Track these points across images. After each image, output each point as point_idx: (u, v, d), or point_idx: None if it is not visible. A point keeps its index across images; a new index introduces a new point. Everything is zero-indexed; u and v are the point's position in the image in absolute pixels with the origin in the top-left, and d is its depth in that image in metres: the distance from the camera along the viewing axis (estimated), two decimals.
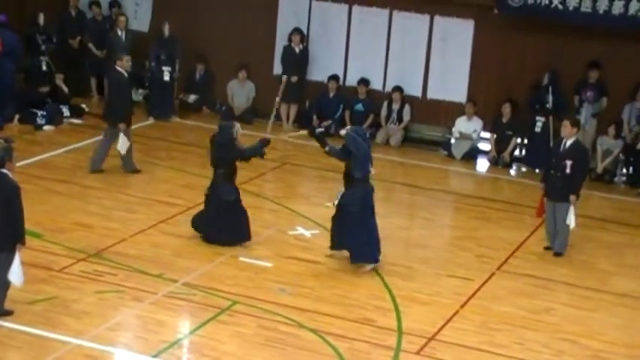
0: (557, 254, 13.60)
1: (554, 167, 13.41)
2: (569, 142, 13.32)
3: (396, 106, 18.85)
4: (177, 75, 19.49)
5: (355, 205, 12.50)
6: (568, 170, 13.22)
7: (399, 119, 18.84)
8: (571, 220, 13.31)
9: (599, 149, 17.48)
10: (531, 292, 12.53)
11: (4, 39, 17.90)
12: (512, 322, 11.61)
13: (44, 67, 19.13)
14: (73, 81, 19.42)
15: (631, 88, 17.26)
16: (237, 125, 13.59)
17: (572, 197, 13.27)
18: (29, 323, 10.57)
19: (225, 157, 13.29)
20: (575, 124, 13.43)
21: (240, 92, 19.67)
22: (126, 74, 15.89)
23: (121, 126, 15.67)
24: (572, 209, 13.28)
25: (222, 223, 13.06)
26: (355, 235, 12.51)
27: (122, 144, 15.72)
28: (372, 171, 12.69)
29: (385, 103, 18.94)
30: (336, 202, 12.74)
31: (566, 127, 13.35)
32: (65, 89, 19.06)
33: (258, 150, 13.53)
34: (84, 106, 19.18)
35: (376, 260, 12.66)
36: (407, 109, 18.82)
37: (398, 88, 18.81)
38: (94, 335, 10.47)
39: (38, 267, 12.02)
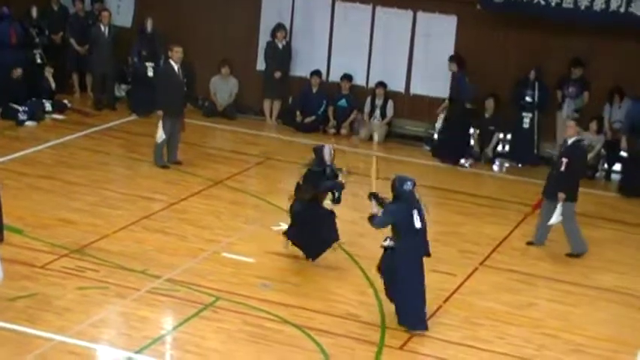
0: (571, 255, 13.59)
1: (553, 165, 13.59)
2: (570, 141, 13.42)
3: (379, 102, 18.85)
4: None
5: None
6: (563, 168, 13.31)
7: (383, 115, 18.84)
8: (554, 218, 13.35)
9: None
10: (514, 287, 12.58)
11: (15, 30, 18.01)
12: (495, 317, 11.65)
13: (38, 60, 19.07)
14: (55, 77, 19.33)
15: (609, 90, 17.33)
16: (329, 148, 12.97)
17: (560, 194, 13.29)
18: (11, 320, 10.54)
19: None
20: (576, 124, 13.53)
21: (223, 88, 19.64)
22: (176, 66, 16.01)
23: (159, 113, 15.85)
24: (558, 207, 13.31)
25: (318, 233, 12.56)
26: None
27: (159, 132, 15.86)
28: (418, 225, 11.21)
29: (368, 99, 18.94)
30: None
31: (570, 128, 13.46)
32: (52, 84, 18.99)
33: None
34: (66, 101, 19.10)
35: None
36: (390, 104, 18.83)
37: (381, 84, 18.82)
38: (77, 332, 10.44)
39: (20, 263, 11.98)
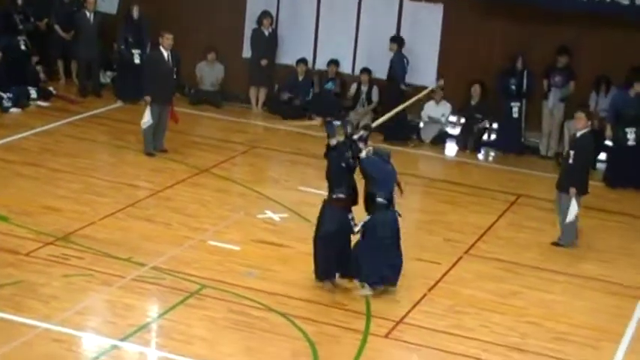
0: (556, 244, 13.60)
1: (564, 158, 13.64)
2: (579, 134, 13.38)
3: (364, 88, 18.84)
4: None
5: (385, 231, 11.57)
6: (571, 161, 13.30)
7: (368, 101, 18.82)
8: (570, 213, 13.23)
9: (566, 133, 17.55)
10: (499, 275, 12.62)
11: None
12: (480, 305, 11.69)
13: (23, 47, 18.98)
14: (41, 64, 19.26)
15: (596, 78, 17.36)
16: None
17: (571, 190, 13.23)
18: None
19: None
20: (590, 116, 13.46)
21: (210, 74, 19.60)
22: (165, 53, 16.03)
23: (147, 99, 15.82)
24: (573, 202, 13.22)
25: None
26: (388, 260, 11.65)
27: (145, 118, 15.85)
28: (397, 195, 11.72)
29: (354, 85, 18.93)
30: (357, 229, 11.59)
31: (580, 120, 13.36)
32: (42, 75, 18.91)
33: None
34: (52, 88, 19.03)
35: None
36: (375, 90, 18.80)
37: (366, 70, 18.80)
38: (63, 319, 10.44)
39: (5, 251, 11.97)
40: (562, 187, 13.46)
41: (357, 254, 11.54)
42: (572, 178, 13.29)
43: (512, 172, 17.05)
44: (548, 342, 10.91)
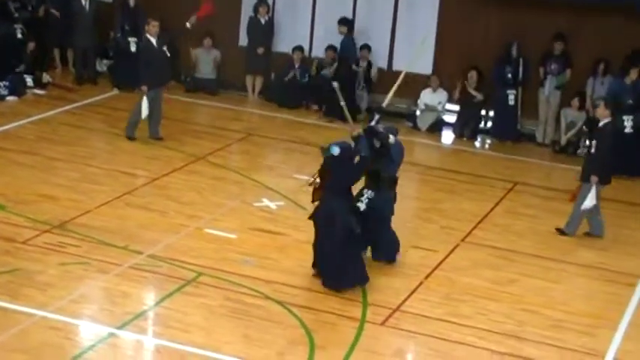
0: (560, 230, 13.55)
1: (587, 148, 13.60)
2: (600, 123, 13.29)
3: (363, 64, 18.78)
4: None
5: (386, 211, 12.07)
6: (593, 150, 13.25)
7: (366, 81, 18.74)
8: (587, 200, 13.17)
9: (562, 121, 17.59)
10: (495, 263, 12.63)
11: None
12: (476, 293, 11.70)
13: (19, 35, 18.93)
14: (37, 52, 19.22)
15: (594, 60, 17.32)
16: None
17: (592, 177, 13.16)
18: None
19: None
20: (610, 105, 13.36)
21: (206, 60, 19.57)
22: (153, 40, 16.08)
23: (143, 89, 15.85)
24: (593, 190, 13.15)
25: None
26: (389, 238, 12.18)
27: (143, 108, 15.88)
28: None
29: (352, 63, 18.87)
30: (361, 205, 11.83)
31: (600, 109, 13.29)
32: (47, 78, 18.89)
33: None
34: (48, 77, 18.99)
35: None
36: (374, 67, 18.77)
37: (366, 46, 18.75)
38: (59, 307, 10.44)
39: (1, 239, 11.97)
40: (583, 177, 13.37)
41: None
42: (594, 167, 13.21)
43: (509, 159, 17.06)
44: (545, 329, 10.93)
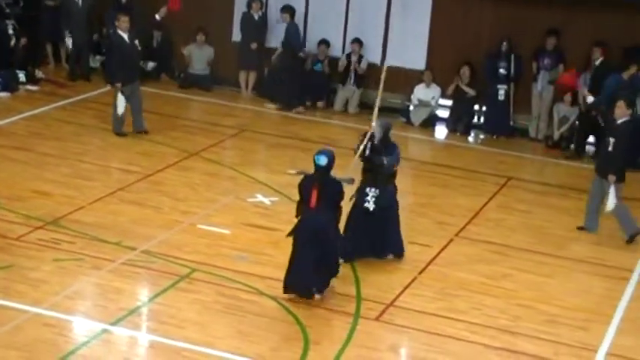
0: (629, 239, 13.30)
1: (603, 144, 13.43)
2: (619, 121, 13.17)
3: (354, 58, 18.78)
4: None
5: (394, 206, 12.13)
6: (610, 148, 13.12)
7: (357, 81, 18.74)
8: (610, 202, 13.06)
9: (555, 116, 17.60)
10: (489, 258, 12.64)
11: None
12: (470, 287, 11.71)
13: (10, 31, 18.85)
14: (29, 47, 19.16)
15: (587, 55, 17.33)
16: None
17: (610, 177, 13.06)
18: None
19: None
20: (631, 105, 13.28)
21: (199, 55, 19.54)
22: (125, 35, 16.10)
23: (118, 85, 15.93)
24: (612, 190, 13.06)
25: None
26: (397, 233, 12.19)
27: (119, 105, 15.93)
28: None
29: (344, 56, 18.85)
30: (370, 206, 11.85)
31: (620, 108, 13.13)
32: (40, 74, 18.84)
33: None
34: (40, 72, 18.94)
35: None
36: (364, 61, 18.74)
37: (357, 40, 18.74)
38: (53, 304, 10.42)
39: None
40: (603, 173, 13.23)
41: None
42: (612, 166, 13.09)
43: (502, 154, 17.06)
44: (539, 324, 10.94)
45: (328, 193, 10.69)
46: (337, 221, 10.96)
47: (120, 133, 16.15)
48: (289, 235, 10.90)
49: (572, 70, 17.19)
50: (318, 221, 10.68)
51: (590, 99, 16.59)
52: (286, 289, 10.92)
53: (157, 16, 17.37)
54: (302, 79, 18.93)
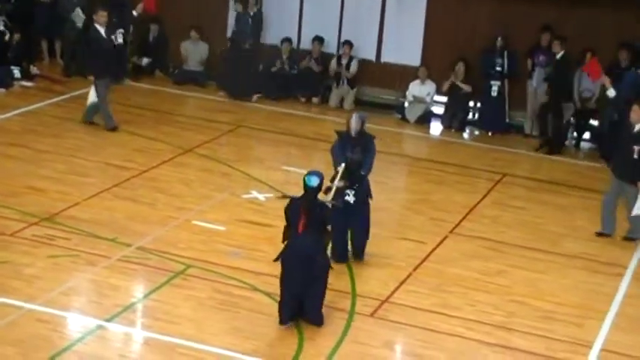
0: (628, 238, 13.20)
1: (624, 149, 12.96)
2: (638, 127, 12.83)
3: (344, 61, 18.80)
4: (130, 38, 19.28)
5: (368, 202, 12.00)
6: (636, 156, 12.75)
7: (350, 81, 18.75)
8: (637, 208, 12.80)
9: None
10: (484, 254, 12.65)
11: None
12: (465, 284, 11.72)
13: (1, 27, 18.81)
14: (24, 43, 19.14)
15: (582, 52, 17.33)
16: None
17: (639, 183, 12.81)
18: None
19: None
20: None
21: (194, 52, 19.53)
22: (102, 29, 16.16)
23: (91, 79, 16.06)
24: (639, 197, 12.83)
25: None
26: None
27: (91, 95, 16.12)
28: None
29: (334, 60, 18.88)
30: (350, 199, 11.72)
31: (635, 112, 12.83)
32: (34, 69, 18.82)
33: None
34: (35, 68, 18.92)
35: None
36: (354, 62, 18.75)
37: (348, 43, 18.74)
38: (47, 300, 10.42)
39: None
40: (627, 178, 12.92)
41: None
42: (638, 173, 12.81)
43: (497, 151, 17.08)
44: (533, 320, 10.96)
45: (316, 216, 10.25)
46: (326, 244, 10.53)
47: (114, 128, 16.16)
48: (276, 260, 10.42)
49: (593, 60, 16.94)
50: (305, 246, 10.17)
51: (612, 92, 16.48)
52: (283, 319, 10.33)
53: (134, 12, 17.48)
54: (297, 76, 18.97)
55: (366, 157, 11.80)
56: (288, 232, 10.38)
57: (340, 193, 11.55)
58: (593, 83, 16.98)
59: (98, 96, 16.14)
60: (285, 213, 10.43)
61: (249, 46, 18.67)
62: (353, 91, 18.79)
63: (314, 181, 10.31)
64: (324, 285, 10.40)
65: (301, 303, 10.30)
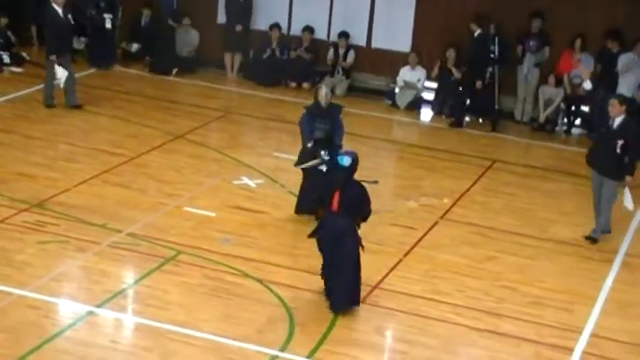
0: (590, 238, 12.88)
1: (603, 144, 12.74)
2: (618, 121, 12.63)
3: (341, 52, 18.80)
4: (118, 23, 19.23)
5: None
6: (619, 150, 12.52)
7: (345, 71, 18.78)
8: (629, 202, 12.66)
9: (540, 99, 17.64)
10: (474, 240, 12.68)
11: None
12: (455, 270, 11.75)
13: None
14: (13, 29, 19.06)
15: (572, 37, 17.34)
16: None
17: (628, 178, 12.59)
18: None
19: None
20: (624, 102, 12.73)
21: (184, 40, 19.48)
22: (59, 9, 16.16)
23: (52, 57, 16.04)
24: (627, 190, 12.65)
25: None
26: None
27: (59, 75, 16.05)
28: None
29: (331, 50, 18.88)
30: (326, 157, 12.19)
31: (614, 107, 12.63)
32: (12, 37, 18.75)
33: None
34: (25, 54, 18.86)
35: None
36: (351, 53, 18.78)
37: (344, 34, 18.76)
38: (38, 286, 10.41)
39: None
40: (607, 172, 12.67)
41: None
42: (624, 168, 12.54)
43: (488, 137, 17.09)
44: (523, 306, 10.99)
45: (350, 196, 10.39)
46: (358, 223, 10.60)
47: (50, 105, 16.28)
48: (310, 236, 10.66)
49: (564, 53, 17.08)
50: (338, 225, 10.35)
51: (589, 85, 16.51)
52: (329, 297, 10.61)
53: None
54: (288, 64, 18.97)
55: (336, 126, 12.32)
56: (322, 210, 10.58)
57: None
58: (583, 69, 17.10)
59: (48, 74, 16.18)
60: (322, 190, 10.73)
61: (173, 23, 19.09)
62: (347, 80, 18.79)
63: (346, 161, 10.44)
64: (355, 266, 10.42)
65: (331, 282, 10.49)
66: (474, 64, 17.37)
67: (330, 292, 10.57)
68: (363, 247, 10.55)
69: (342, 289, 10.42)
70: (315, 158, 12.26)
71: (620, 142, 12.58)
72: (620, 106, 12.64)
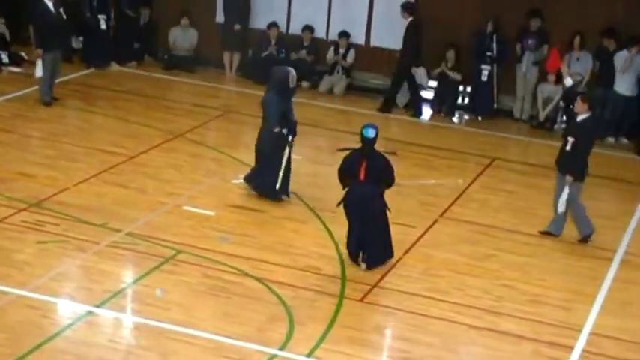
0: (582, 240, 12.77)
1: (563, 139, 12.75)
2: (578, 119, 12.65)
3: (342, 50, 18.81)
4: (112, 23, 19.17)
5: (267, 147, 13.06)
6: (568, 148, 12.51)
7: (345, 70, 18.78)
8: (562, 204, 12.57)
9: (539, 96, 17.65)
10: (473, 238, 12.68)
11: None
12: (454, 268, 11.76)
13: None
14: (12, 29, 19.05)
15: (570, 35, 17.34)
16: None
17: (567, 177, 12.51)
18: None
19: None
20: (586, 100, 12.59)
21: (183, 39, 19.48)
22: (50, 4, 16.19)
23: (38, 52, 16.17)
24: (565, 191, 12.52)
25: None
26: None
27: (38, 70, 16.24)
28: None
29: (331, 49, 18.89)
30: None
31: (579, 104, 12.55)
32: (7, 35, 18.75)
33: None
34: (23, 54, 18.86)
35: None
36: (352, 52, 18.79)
37: (344, 34, 18.77)
38: (37, 286, 10.41)
39: None
40: (560, 168, 12.70)
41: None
42: (570, 166, 12.48)
43: (487, 135, 17.10)
44: (522, 304, 11.00)
45: (375, 166, 11.32)
46: (382, 190, 11.52)
47: (47, 103, 16.27)
48: (339, 205, 11.54)
49: (553, 51, 17.21)
50: (365, 193, 11.31)
51: (569, 82, 16.55)
52: (350, 254, 11.63)
53: None
54: (286, 60, 18.96)
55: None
56: (348, 181, 11.45)
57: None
58: (581, 67, 17.12)
59: (44, 69, 16.18)
60: (344, 162, 11.50)
61: (133, 14, 19.14)
62: (347, 79, 18.80)
63: (371, 133, 11.37)
64: (385, 223, 11.51)
65: (364, 241, 11.41)
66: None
67: (363, 249, 11.42)
68: (389, 210, 11.53)
69: (375, 246, 11.41)
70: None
71: (571, 140, 12.51)
72: (583, 104, 12.56)
